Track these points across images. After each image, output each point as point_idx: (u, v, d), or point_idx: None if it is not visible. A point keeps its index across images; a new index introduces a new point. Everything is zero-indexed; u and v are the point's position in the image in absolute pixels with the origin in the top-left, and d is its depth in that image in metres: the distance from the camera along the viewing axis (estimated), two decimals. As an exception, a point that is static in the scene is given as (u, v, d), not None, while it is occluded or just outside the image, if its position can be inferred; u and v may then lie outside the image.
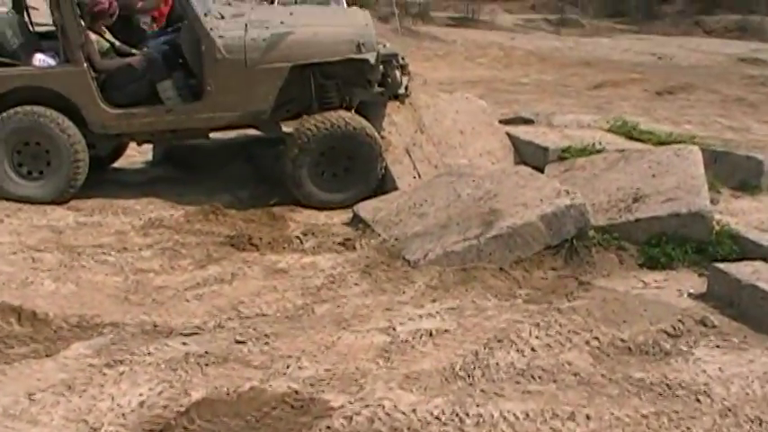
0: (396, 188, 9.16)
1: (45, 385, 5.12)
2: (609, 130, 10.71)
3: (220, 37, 9.07)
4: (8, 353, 5.60)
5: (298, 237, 8.10)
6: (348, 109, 9.38)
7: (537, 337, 5.72)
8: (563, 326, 5.89)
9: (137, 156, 11.42)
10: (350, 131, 9.05)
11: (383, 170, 9.25)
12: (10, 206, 8.95)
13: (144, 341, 5.76)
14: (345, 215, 8.82)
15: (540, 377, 5.22)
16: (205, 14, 9.18)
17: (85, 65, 9.11)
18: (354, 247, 7.75)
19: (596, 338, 5.74)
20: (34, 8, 10.29)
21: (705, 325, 6.05)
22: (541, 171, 8.99)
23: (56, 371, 5.33)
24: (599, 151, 9.42)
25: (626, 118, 11.74)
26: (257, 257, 7.59)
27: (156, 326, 6.05)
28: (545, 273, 7.17)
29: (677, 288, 6.92)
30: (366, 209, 8.54)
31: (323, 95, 9.39)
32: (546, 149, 9.60)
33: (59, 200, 9.13)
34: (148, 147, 10.97)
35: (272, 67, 9.11)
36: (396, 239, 7.73)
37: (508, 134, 10.19)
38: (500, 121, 10.91)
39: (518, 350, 5.56)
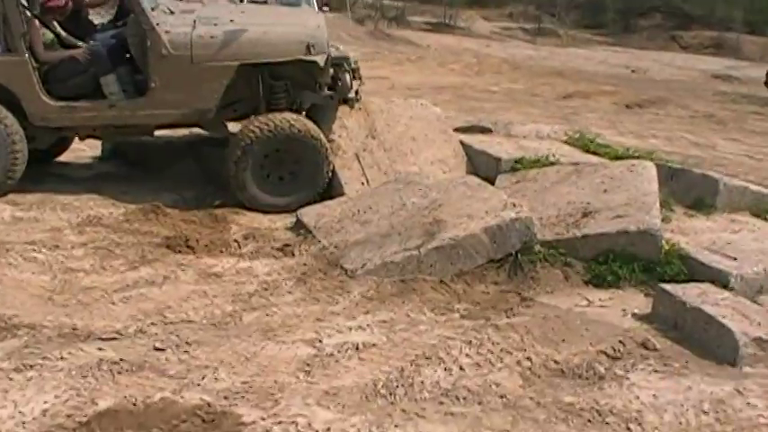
0: (343, 194, 8.96)
1: (-55, 389, 4.89)
2: (566, 142, 10.54)
3: (166, 32, 8.84)
4: None
5: (236, 240, 7.88)
6: (297, 111, 9.24)
7: (467, 356, 5.54)
8: (496, 344, 5.71)
9: (85, 150, 11.16)
10: (294, 134, 8.86)
11: (330, 174, 9.06)
12: (-56, 200, 8.71)
13: (59, 345, 5.52)
14: (289, 219, 8.61)
15: (464, 398, 5.03)
16: (153, 8, 8.97)
17: (27, 55, 8.88)
18: (293, 254, 7.55)
19: (529, 359, 5.56)
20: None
21: (646, 348, 5.88)
22: (493, 182, 8.81)
23: (-40, 374, 5.10)
24: (552, 163, 9.26)
25: (585, 130, 11.60)
26: (192, 260, 7.37)
27: (75, 329, 5.82)
28: (487, 287, 6.97)
29: (622, 308, 6.74)
30: (309, 214, 8.33)
31: (271, 97, 9.19)
32: (498, 160, 9.42)
33: None
34: (97, 142, 10.74)
35: (219, 65, 8.90)
36: (335, 247, 7.52)
37: (462, 143, 9.99)
38: (456, 129, 10.75)
39: (446, 368, 5.36)
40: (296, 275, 7.04)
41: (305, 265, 7.27)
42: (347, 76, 9.48)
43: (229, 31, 8.98)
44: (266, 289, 6.77)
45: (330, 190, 9.10)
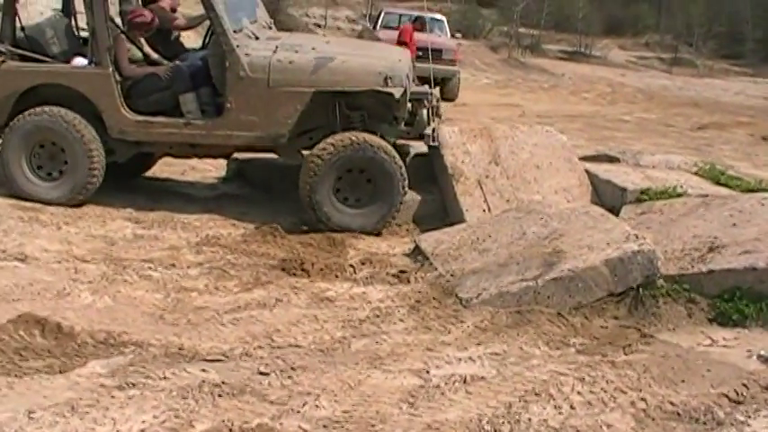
0: (463, 220, 8.84)
1: (48, 403, 4.85)
2: (696, 174, 10.22)
3: (246, 55, 8.94)
4: (21, 365, 5.35)
5: (352, 265, 7.80)
6: None
7: (579, 393, 5.32)
8: (610, 382, 5.47)
9: (211, 171, 11.27)
10: (368, 151, 8.80)
11: (404, 194, 8.97)
12: (72, 214, 8.88)
13: (164, 364, 5.48)
14: (408, 245, 8.52)
15: (573, 439, 4.82)
16: (236, 31, 9.06)
17: (111, 68, 9.06)
18: (408, 281, 7.42)
19: (644, 399, 5.31)
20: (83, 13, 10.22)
21: (771, 392, 5.58)
22: (617, 212, 8.58)
23: (64, 389, 5.07)
24: (680, 195, 8.97)
25: (718, 162, 11.26)
26: (306, 284, 7.29)
27: (181, 349, 5.77)
28: (605, 321, 6.73)
29: (747, 348, 6.41)
30: (428, 240, 8.21)
31: (347, 126, 9.10)
32: (624, 190, 9.17)
33: (71, 203, 9.09)
34: (223, 162, 10.81)
35: (295, 90, 8.93)
36: (452, 275, 7.37)
37: (587, 171, 9.76)
38: (583, 158, 10.51)
39: (555, 406, 5.15)
40: (409, 303, 6.90)
41: (419, 292, 7.12)
42: (425, 113, 9.39)
43: (308, 58, 9.02)
44: (378, 316, 6.64)
45: (450, 216, 8.98)
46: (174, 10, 10.47)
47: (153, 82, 9.33)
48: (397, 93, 8.89)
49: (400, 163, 8.90)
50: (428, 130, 9.34)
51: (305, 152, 9.19)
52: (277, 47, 9.21)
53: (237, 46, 8.93)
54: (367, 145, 8.78)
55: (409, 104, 9.34)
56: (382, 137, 9.10)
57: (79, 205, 9.12)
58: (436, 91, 22.96)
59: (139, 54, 9.63)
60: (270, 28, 10.25)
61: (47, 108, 9.04)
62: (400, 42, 17.21)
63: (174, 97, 9.24)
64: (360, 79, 8.97)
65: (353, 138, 8.80)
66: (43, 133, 9.08)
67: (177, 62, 9.55)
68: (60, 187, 9.11)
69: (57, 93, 9.16)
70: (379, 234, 8.95)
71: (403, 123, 9.34)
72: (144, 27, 9.60)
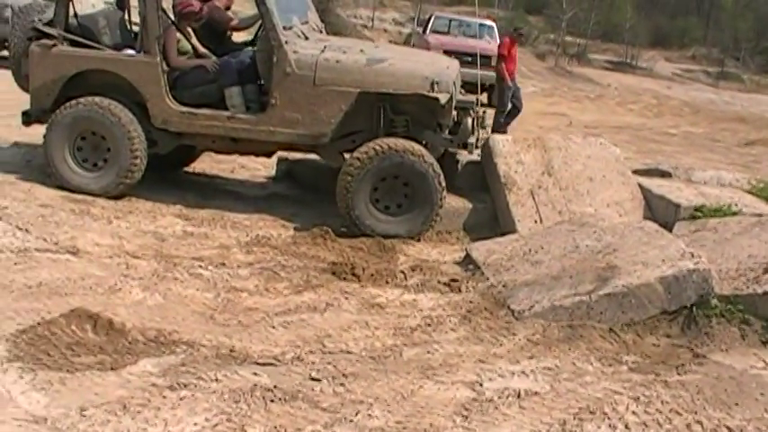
0: (515, 230, 8.79)
1: (100, 401, 4.84)
2: (749, 192, 10.11)
3: (294, 52, 8.96)
4: (74, 361, 5.33)
5: (403, 271, 7.75)
6: None
7: (634, 413, 5.26)
8: (666, 403, 5.41)
9: (260, 170, 11.26)
10: (406, 158, 8.74)
11: (442, 197, 8.88)
12: (122, 208, 8.88)
13: (215, 366, 5.45)
14: (459, 253, 8.48)
15: (628, 459, 4.76)
16: (286, 28, 9.08)
17: (159, 58, 9.10)
18: (459, 289, 7.36)
19: (699, 422, 5.24)
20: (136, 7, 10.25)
21: (826, 418, 5.50)
22: (670, 228, 8.49)
23: (116, 386, 5.05)
24: (734, 213, 8.89)
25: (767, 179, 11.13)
26: (356, 289, 7.25)
27: (232, 350, 5.74)
28: (658, 339, 6.66)
29: (801, 372, 6.35)
30: (479, 250, 8.16)
31: (390, 131, 9.07)
32: (678, 206, 9.09)
33: (112, 193, 9.14)
34: (272, 161, 10.80)
35: (341, 89, 8.91)
36: (504, 286, 7.31)
37: (640, 186, 9.68)
38: (635, 172, 10.42)
39: (610, 425, 5.09)
40: (461, 312, 6.85)
41: (471, 302, 7.07)
42: (469, 121, 9.31)
43: (355, 59, 9.03)
44: (429, 324, 6.59)
45: (502, 226, 8.95)
46: (228, 8, 10.48)
47: (200, 74, 9.38)
48: (443, 98, 8.84)
49: (434, 165, 8.82)
50: (472, 139, 9.28)
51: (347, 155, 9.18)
52: (325, 47, 9.23)
53: (286, 42, 8.94)
54: (393, 151, 8.74)
55: (454, 113, 9.30)
56: (417, 140, 9.05)
57: (128, 200, 9.14)
58: (483, 98, 22.96)
59: (188, 46, 9.68)
60: (321, 31, 10.26)
61: (87, 98, 9.11)
62: (500, 55, 16.89)
63: (219, 91, 9.26)
64: (406, 82, 8.93)
65: (379, 146, 8.76)
66: (85, 123, 9.14)
67: (225, 57, 9.55)
68: (104, 177, 9.15)
69: (104, 80, 9.23)
70: (427, 241, 8.89)
71: (447, 131, 9.28)
72: (192, 17, 9.63)
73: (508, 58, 16.72)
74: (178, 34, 9.53)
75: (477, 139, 9.50)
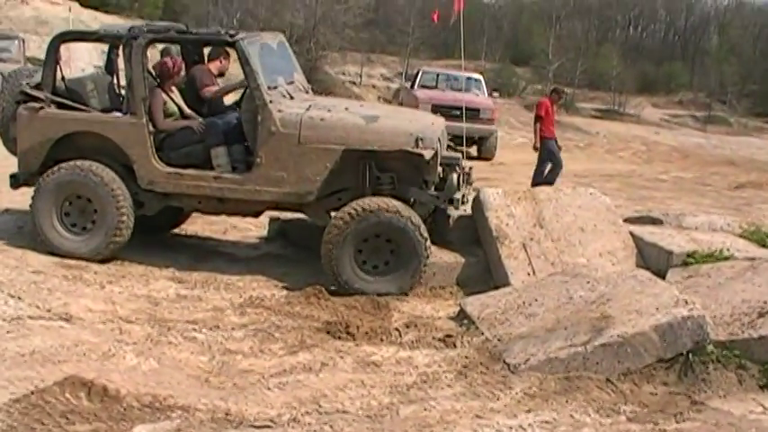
0: (508, 283, 8.76)
1: (97, 471, 4.82)
2: (741, 236, 10.11)
3: (279, 111, 8.99)
4: (68, 430, 5.32)
5: (397, 328, 7.74)
6: None
7: (634, 464, 5.23)
8: (664, 453, 5.39)
9: (252, 230, 11.25)
10: (383, 216, 8.71)
11: (428, 254, 8.87)
12: (115, 273, 8.88)
13: (211, 430, 5.44)
14: (452, 308, 8.45)
15: None
16: (270, 87, 9.12)
17: (145, 119, 9.14)
18: (455, 345, 7.35)
19: (700, 471, 5.22)
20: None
21: (826, 465, 5.48)
22: (663, 276, 8.49)
23: (112, 455, 5.03)
24: (727, 258, 8.88)
25: (759, 222, 11.16)
26: (351, 347, 7.24)
27: (228, 414, 5.71)
28: (655, 388, 6.65)
29: (800, 417, 6.34)
30: (473, 304, 8.15)
31: (377, 188, 9.06)
32: (670, 253, 9.07)
33: (103, 255, 9.15)
34: (264, 221, 10.80)
35: (325, 147, 8.92)
36: (499, 340, 7.30)
37: (632, 234, 9.68)
38: (626, 220, 10.43)
39: (611, 477, 5.08)
40: (457, 368, 6.83)
41: (466, 357, 7.04)
42: (455, 177, 9.28)
43: (339, 117, 9.06)
44: (425, 381, 6.57)
45: (495, 280, 8.92)
46: (222, 74, 10.50)
47: (186, 135, 9.40)
48: (428, 154, 8.84)
49: (413, 218, 8.79)
50: (458, 195, 9.23)
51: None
52: (310, 105, 9.26)
53: (271, 101, 8.98)
54: (368, 212, 8.71)
55: (440, 169, 9.30)
56: (403, 197, 9.07)
57: (121, 264, 9.15)
58: (473, 150, 23.05)
59: (175, 108, 9.70)
60: (307, 92, 10.27)
61: (69, 162, 9.14)
62: (538, 116, 16.80)
63: (205, 151, 9.28)
64: (390, 139, 8.94)
65: (354, 209, 8.75)
66: (69, 188, 9.17)
67: (212, 117, 9.58)
68: (93, 239, 9.16)
69: (91, 143, 9.27)
70: (421, 296, 8.87)
71: (433, 188, 9.26)
72: (168, 74, 9.66)
73: (546, 119, 16.62)
74: (164, 96, 9.56)
75: (464, 195, 9.48)
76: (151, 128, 9.22)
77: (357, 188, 9.08)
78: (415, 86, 25.66)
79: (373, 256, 8.91)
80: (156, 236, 10.29)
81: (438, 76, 26.59)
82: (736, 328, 7.22)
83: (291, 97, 9.39)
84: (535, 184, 15.16)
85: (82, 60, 10.95)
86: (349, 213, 8.74)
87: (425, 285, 9.04)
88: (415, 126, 9.11)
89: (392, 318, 8.16)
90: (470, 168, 10.02)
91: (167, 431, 5.40)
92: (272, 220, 10.69)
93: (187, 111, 9.76)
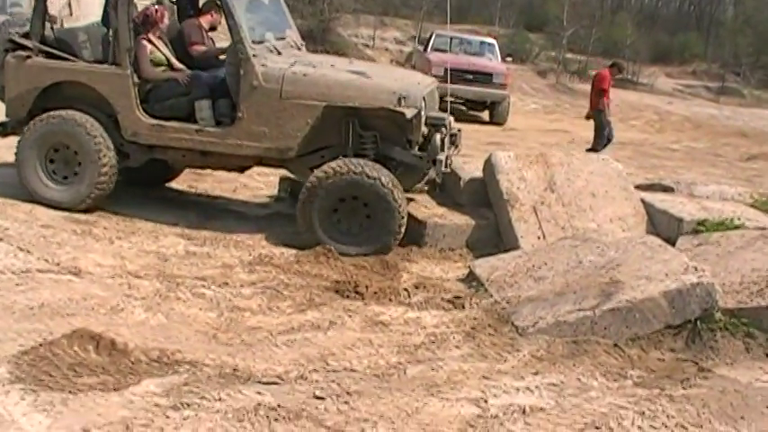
0: (518, 247, 8.76)
1: (103, 422, 4.81)
2: (752, 206, 10.08)
3: (262, 65, 8.98)
4: (76, 382, 5.31)
5: (406, 289, 7.73)
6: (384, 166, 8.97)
7: (639, 428, 5.23)
8: (671, 417, 5.38)
9: (263, 189, 11.25)
10: (364, 180, 8.66)
11: (402, 227, 8.81)
12: (125, 228, 8.90)
13: (219, 385, 5.42)
14: (462, 270, 8.45)
15: (634, 476, 4.72)
16: (255, 42, 9.13)
17: (130, 70, 9.15)
18: (463, 306, 7.33)
19: (705, 436, 5.21)
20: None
21: (832, 433, 5.47)
22: (673, 243, 8.46)
23: (118, 407, 5.02)
24: (737, 227, 8.85)
25: (769, 193, 11.11)
26: (360, 307, 7.23)
27: (236, 370, 5.71)
28: (662, 354, 6.63)
29: (805, 385, 6.32)
30: (483, 266, 8.13)
31: (359, 147, 9.03)
32: (680, 220, 9.06)
33: (81, 206, 9.21)
34: (274, 180, 10.79)
35: (306, 103, 8.89)
36: (507, 302, 7.29)
37: (643, 201, 9.65)
38: (637, 187, 10.39)
39: (616, 440, 5.07)
40: (465, 329, 6.81)
41: (475, 319, 7.03)
42: (438, 137, 9.19)
43: (323, 73, 9.06)
44: (433, 342, 6.56)
45: (505, 243, 8.92)
46: (213, 28, 10.39)
47: (171, 87, 9.40)
48: (409, 113, 8.79)
49: (393, 187, 8.73)
50: (441, 157, 9.13)
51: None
52: (296, 61, 9.23)
53: (254, 55, 8.96)
54: (349, 172, 8.69)
55: (425, 129, 9.23)
56: (386, 156, 9.07)
57: (130, 220, 9.19)
58: (485, 115, 22.97)
59: (162, 58, 9.66)
60: (299, 48, 10.23)
61: (60, 112, 9.19)
62: (600, 90, 16.70)
63: (190, 104, 9.28)
64: (372, 97, 8.90)
65: (341, 165, 8.72)
66: (54, 136, 9.22)
67: (198, 70, 9.56)
68: (72, 189, 9.23)
69: (77, 93, 9.31)
70: (430, 258, 8.86)
71: (417, 148, 9.20)
72: (150, 22, 9.60)
73: (608, 92, 16.58)
74: (151, 46, 9.52)
75: (448, 157, 9.38)
76: (136, 79, 9.23)
77: (340, 146, 9.06)
78: (428, 50, 25.53)
79: (348, 217, 8.88)
80: (147, 190, 10.36)
81: (452, 39, 26.42)
82: (744, 296, 7.19)
83: (279, 53, 9.36)
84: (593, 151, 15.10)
85: (93, 15, 10.84)
86: (324, 172, 8.71)
87: (435, 247, 9.05)
88: (398, 85, 9.06)
89: (401, 278, 8.16)
90: (459, 130, 9.99)
91: (175, 385, 5.39)
92: (282, 180, 10.63)
93: (176, 63, 9.71)
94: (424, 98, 9.07)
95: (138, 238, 8.66)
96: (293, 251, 8.63)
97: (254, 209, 10.51)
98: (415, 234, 9.13)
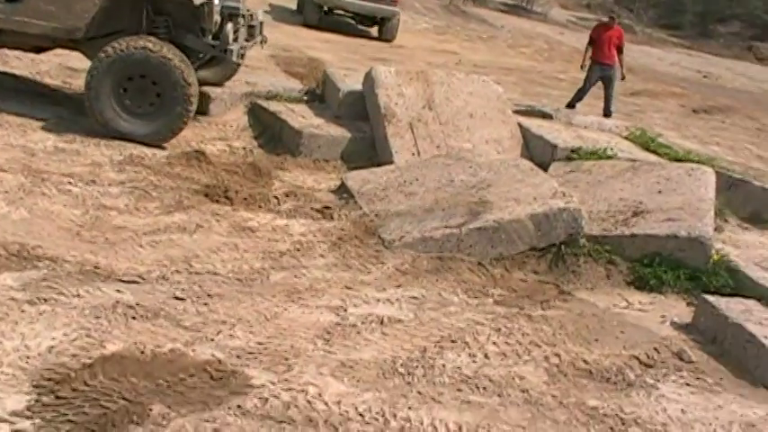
0: (391, 162, 8.76)
1: (-45, 312, 4.73)
2: (627, 138, 10.24)
3: None
4: (-70, 271, 5.21)
5: (276, 197, 7.70)
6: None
7: (494, 344, 5.32)
8: (526, 335, 5.49)
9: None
10: (148, 56, 8.48)
11: (189, 111, 8.65)
12: (-9, 123, 8.61)
13: (78, 282, 5.35)
14: (334, 182, 8.43)
15: (484, 388, 4.81)
16: None
17: None
18: (332, 217, 7.35)
19: (558, 355, 5.33)
20: None
21: (681, 359, 5.65)
22: (546, 168, 8.57)
23: (-27, 300, 4.94)
24: (609, 157, 8.98)
25: (649, 129, 11.28)
26: (228, 212, 7.18)
27: (97, 267, 5.64)
28: (525, 275, 6.76)
29: (662, 314, 6.52)
30: (354, 179, 8.14)
31: (152, 32, 8.84)
32: (555, 147, 9.17)
33: None
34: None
35: None
36: (376, 215, 7.32)
37: (520, 125, 9.73)
38: (516, 112, 10.45)
39: (470, 354, 5.15)
40: (331, 239, 6.84)
41: (342, 229, 7.06)
42: (230, 27, 9.00)
43: None
44: (299, 249, 6.57)
45: (378, 156, 8.91)
46: None
47: None
48: (198, 0, 8.69)
49: (183, 67, 8.56)
50: (234, 47, 8.99)
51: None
52: None
53: None
54: (133, 48, 8.49)
55: (218, 18, 8.99)
56: (178, 43, 8.87)
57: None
58: (374, 31, 22.81)
59: None
60: None
61: None
62: (620, 46, 16.28)
63: None
64: None
65: (130, 42, 8.51)
66: None
67: None
68: None
69: None
70: (304, 168, 8.82)
71: (211, 37, 9.03)
72: None
73: (597, 43, 16.21)
74: None
75: (243, 48, 9.32)
76: None
77: (132, 31, 8.83)
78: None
79: (138, 97, 8.67)
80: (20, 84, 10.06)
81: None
82: (610, 224, 7.34)
83: None
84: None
85: None
86: (112, 47, 8.50)
87: (309, 157, 9.01)
88: None
89: (272, 186, 8.12)
90: (261, 23, 9.92)
91: (33, 280, 5.30)
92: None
93: None
94: None
95: (5, 131, 8.39)
96: (165, 152, 8.48)
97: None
98: (291, 143, 9.09)
